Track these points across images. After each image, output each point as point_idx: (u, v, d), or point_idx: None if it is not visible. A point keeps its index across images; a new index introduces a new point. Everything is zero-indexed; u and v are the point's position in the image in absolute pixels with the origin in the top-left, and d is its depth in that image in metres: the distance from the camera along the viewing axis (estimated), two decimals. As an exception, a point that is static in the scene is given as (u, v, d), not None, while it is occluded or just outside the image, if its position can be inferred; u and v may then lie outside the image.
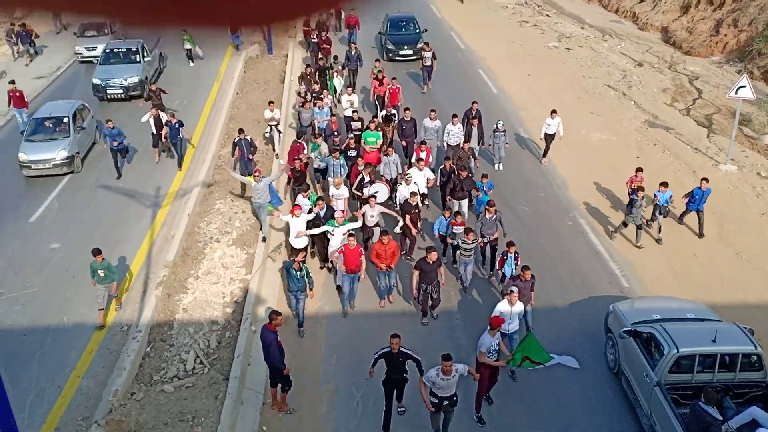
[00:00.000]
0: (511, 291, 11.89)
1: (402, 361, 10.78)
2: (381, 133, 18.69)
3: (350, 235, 13.78)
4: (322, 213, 14.99)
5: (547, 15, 35.95)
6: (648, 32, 31.89)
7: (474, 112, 19.35)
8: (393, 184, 17.06)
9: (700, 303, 13.05)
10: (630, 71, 26.97)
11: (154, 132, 20.09)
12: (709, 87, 25.03)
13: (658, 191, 15.87)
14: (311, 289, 13.59)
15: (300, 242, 14.72)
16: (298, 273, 13.09)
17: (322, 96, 21.41)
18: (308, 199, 15.66)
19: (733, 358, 10.55)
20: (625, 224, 16.21)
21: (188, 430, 11.07)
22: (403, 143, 19.02)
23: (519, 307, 11.99)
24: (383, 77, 22.49)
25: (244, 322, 13.32)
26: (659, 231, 16.23)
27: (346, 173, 17.06)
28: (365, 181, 16.50)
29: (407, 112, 19.37)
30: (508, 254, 13.74)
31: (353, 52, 24.96)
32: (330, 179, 17.07)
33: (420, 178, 16.39)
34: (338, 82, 23.16)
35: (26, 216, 17.94)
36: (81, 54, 29.77)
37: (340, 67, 24.21)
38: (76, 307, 14.36)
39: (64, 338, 13.46)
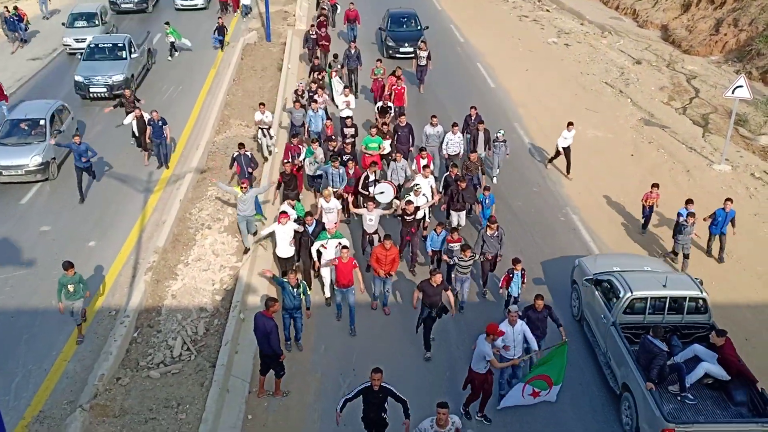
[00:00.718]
0: (509, 310, 11.14)
1: (382, 397, 9.55)
2: (381, 137, 17.87)
3: (344, 246, 12.95)
4: (311, 229, 13.90)
5: (547, 10, 35.83)
6: (647, 30, 31.79)
7: (474, 118, 18.44)
8: (399, 190, 16.48)
9: (659, 259, 14.77)
10: (628, 69, 26.90)
11: (137, 134, 19.18)
12: (706, 86, 24.99)
13: (684, 209, 14.88)
14: (308, 308, 12.89)
15: (286, 251, 13.94)
16: (295, 290, 12.04)
17: (316, 97, 20.12)
18: (294, 208, 14.81)
19: (681, 301, 11.93)
20: (675, 252, 15.24)
21: (173, 416, 11.06)
22: (399, 156, 17.18)
23: (520, 327, 11.03)
24: (399, 75, 21.22)
25: (233, 309, 13.26)
26: (684, 262, 14.93)
27: (344, 183, 16.07)
28: (370, 180, 15.94)
29: (402, 117, 18.35)
30: (514, 272, 12.83)
31: (353, 51, 23.72)
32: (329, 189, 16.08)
33: (427, 187, 15.61)
34: (337, 82, 21.79)
35: (17, 198, 17.85)
36: (69, 45, 28.48)
37: (339, 67, 23.03)
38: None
39: (53, 322, 13.40)
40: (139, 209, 17.41)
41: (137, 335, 12.90)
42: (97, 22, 29.27)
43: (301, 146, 17.21)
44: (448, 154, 17.73)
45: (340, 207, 15.14)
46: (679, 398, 10.81)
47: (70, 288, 12.53)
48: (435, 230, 14.09)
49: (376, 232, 14.81)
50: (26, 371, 12.19)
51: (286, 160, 16.61)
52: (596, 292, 12.59)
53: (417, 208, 14.54)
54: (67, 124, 20.38)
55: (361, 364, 12.28)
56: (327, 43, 25.90)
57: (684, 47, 28.59)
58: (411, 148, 18.21)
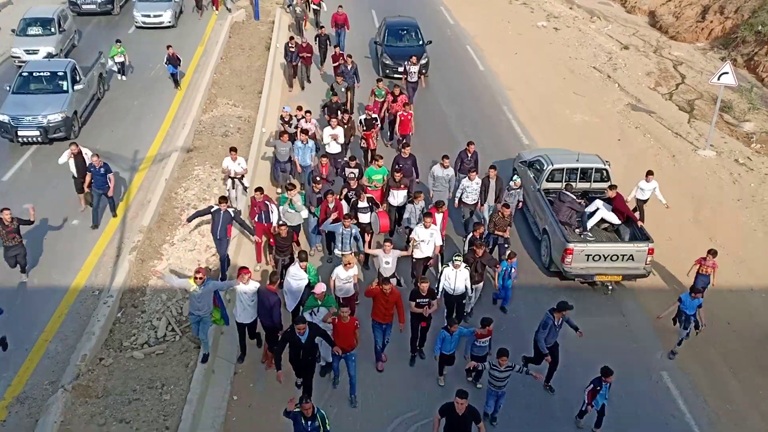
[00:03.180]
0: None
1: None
2: (387, 169, 15.60)
3: (342, 305, 11.28)
4: (303, 338, 10.39)
5: (536, -7, 35.59)
6: (635, 15, 31.73)
7: (471, 155, 15.88)
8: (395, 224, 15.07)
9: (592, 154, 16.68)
10: (616, 54, 26.89)
11: (75, 175, 15.77)
12: (692, 72, 25.06)
13: (687, 294, 12.24)
14: None
15: (247, 315, 11.44)
16: (310, 423, 9.07)
17: (304, 124, 17.25)
18: (306, 271, 12.03)
19: (589, 171, 15.88)
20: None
21: (157, 397, 11.00)
22: (398, 175, 14.96)
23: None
24: (399, 93, 18.91)
25: (220, 290, 13.18)
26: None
27: (358, 244, 13.38)
28: (360, 206, 14.07)
29: (406, 149, 15.82)
30: (604, 382, 10.49)
31: (349, 67, 20.72)
32: (337, 251, 13.38)
33: (427, 238, 13.22)
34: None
35: (-2, 175, 17.56)
36: (19, 57, 23.55)
37: (343, 89, 19.88)
38: (47, 269, 14.16)
39: (34, 300, 13.27)
40: (123, 188, 17.19)
41: (121, 315, 12.79)
42: (53, 30, 24.35)
43: (268, 202, 14.03)
44: (463, 203, 15.02)
45: (357, 274, 12.34)
46: (581, 236, 14.49)
47: None
48: (447, 329, 11.16)
49: (394, 276, 12.75)
50: (7, 350, 12.04)
51: (279, 223, 13.74)
52: (528, 171, 16.27)
53: (432, 292, 11.68)
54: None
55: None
56: (309, 55, 22.81)
57: (671, 33, 28.60)
58: (418, 181, 15.99)
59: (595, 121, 21.49)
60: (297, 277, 11.97)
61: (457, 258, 12.14)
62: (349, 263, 11.99)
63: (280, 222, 13.70)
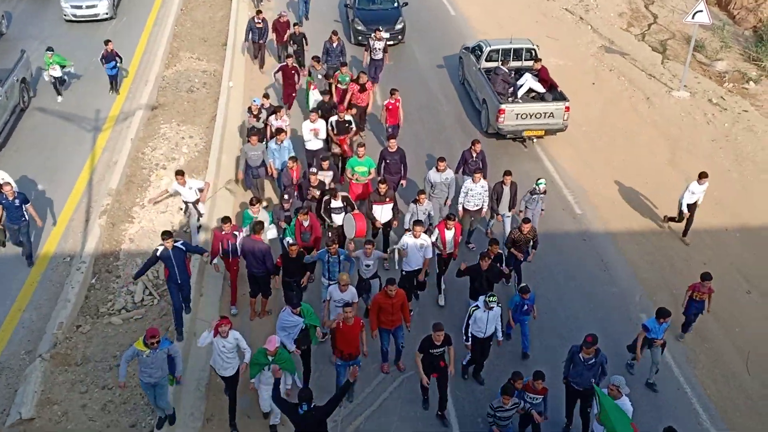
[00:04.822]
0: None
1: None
2: (372, 160, 13.86)
3: (347, 305, 9.98)
4: (303, 411, 8.49)
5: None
6: (605, -47, 31.14)
7: (476, 155, 13.98)
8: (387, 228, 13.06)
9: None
10: (587, -6, 26.43)
11: None
12: (664, 12, 24.80)
13: (653, 320, 10.69)
14: None
15: (227, 369, 9.69)
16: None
17: (274, 121, 14.95)
18: (301, 315, 10.03)
19: (521, 51, 18.44)
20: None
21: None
22: (383, 187, 12.72)
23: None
24: (366, 81, 16.35)
25: (200, 230, 12.91)
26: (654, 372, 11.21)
27: (351, 266, 11.38)
28: (332, 206, 12.48)
29: (392, 141, 13.97)
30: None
31: (335, 45, 18.23)
32: (324, 281, 11.37)
33: (414, 252, 11.60)
34: (315, 98, 16.38)
35: (-44, 141, 16.76)
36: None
37: (320, 76, 16.98)
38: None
39: (4, 269, 12.86)
40: (88, 149, 16.59)
41: (95, 281, 12.49)
42: None
43: (237, 232, 11.69)
44: (465, 209, 13.32)
45: (355, 299, 10.66)
46: (510, 100, 16.83)
47: None
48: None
49: (375, 276, 11.57)
50: (-21, 322, 11.74)
51: (289, 243, 11.59)
52: (471, 56, 18.75)
53: (447, 338, 9.83)
54: None
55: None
56: (283, 33, 19.68)
57: (642, -29, 28.16)
58: (403, 181, 14.15)
59: (569, 64, 21.21)
60: (289, 323, 9.99)
61: (491, 298, 10.27)
62: (346, 284, 10.47)
63: (290, 242, 11.63)
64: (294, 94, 17.62)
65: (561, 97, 16.80)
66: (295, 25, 19.59)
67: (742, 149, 17.21)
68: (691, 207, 13.85)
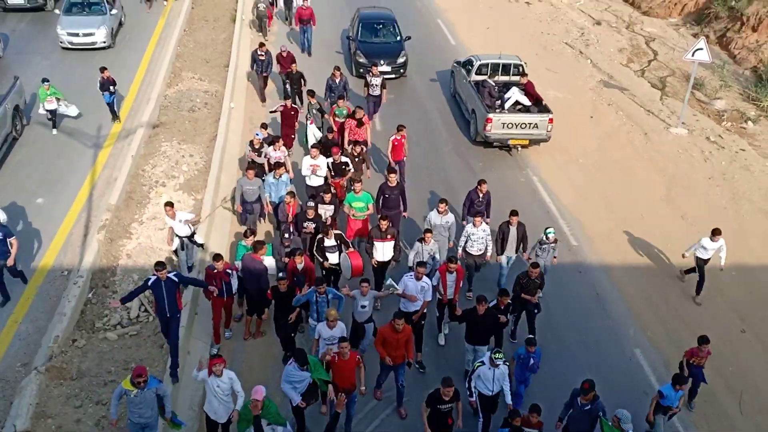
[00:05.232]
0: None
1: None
2: (370, 194, 13.44)
3: (342, 339, 9.74)
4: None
5: (508, -33, 35.30)
6: (607, -10, 31.70)
7: (483, 196, 13.67)
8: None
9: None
10: (588, 29, 26.88)
11: None
12: (665, 49, 25.18)
13: (669, 386, 10.25)
14: None
15: (219, 413, 9.28)
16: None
17: (272, 152, 14.72)
18: (309, 370, 9.47)
19: (509, 66, 19.78)
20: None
21: (132, 379, 10.78)
22: (384, 223, 12.25)
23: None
24: (362, 116, 15.93)
25: (192, 269, 12.95)
26: None
27: (341, 306, 10.98)
28: (326, 245, 12.04)
29: (392, 176, 13.50)
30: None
31: (338, 81, 17.71)
32: (312, 321, 10.95)
33: (414, 294, 11.15)
34: (314, 132, 16.40)
35: (-43, 151, 16.81)
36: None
37: (315, 110, 16.68)
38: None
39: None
40: (88, 165, 16.68)
41: (92, 296, 12.47)
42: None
43: (230, 270, 11.34)
44: (467, 253, 12.83)
45: (344, 333, 10.28)
46: (497, 111, 17.94)
47: None
48: None
49: (370, 320, 11.12)
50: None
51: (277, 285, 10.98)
52: (462, 69, 20.02)
53: (456, 393, 9.35)
54: None
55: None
56: (286, 65, 19.26)
57: (643, 9, 28.64)
58: (404, 214, 13.94)
59: (568, 97, 21.50)
60: (296, 378, 9.37)
61: (497, 354, 9.77)
62: (335, 320, 10.14)
63: (281, 275, 11.16)
64: (293, 136, 17.02)
65: (545, 110, 17.97)
66: (292, 63, 18.95)
67: (739, 188, 17.39)
68: (702, 262, 13.31)
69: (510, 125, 17.61)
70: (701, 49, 18.83)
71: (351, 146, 15.10)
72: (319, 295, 10.65)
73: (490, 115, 17.54)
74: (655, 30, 26.91)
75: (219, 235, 14.44)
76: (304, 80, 18.87)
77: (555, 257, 13.03)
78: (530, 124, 17.71)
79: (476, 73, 19.33)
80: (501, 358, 9.78)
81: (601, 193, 16.91)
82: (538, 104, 18.33)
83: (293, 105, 17.02)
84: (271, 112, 17.56)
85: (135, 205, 15.10)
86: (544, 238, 12.74)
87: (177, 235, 12.72)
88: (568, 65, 23.78)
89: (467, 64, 19.88)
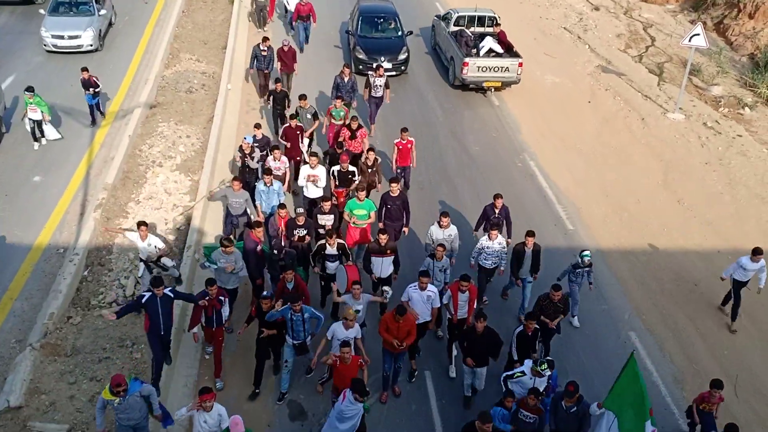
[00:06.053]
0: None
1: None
2: (372, 202, 12.73)
3: (345, 344, 9.41)
4: None
5: (507, -48, 35.12)
6: (606, -24, 31.57)
7: (499, 210, 12.81)
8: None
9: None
10: (586, 15, 26.78)
11: None
12: (662, 35, 25.14)
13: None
14: None
15: None
16: None
17: (269, 160, 13.52)
18: (359, 401, 8.93)
19: (484, 18, 21.48)
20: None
21: (128, 355, 10.85)
22: (383, 238, 11.42)
23: None
24: (357, 126, 14.83)
25: (188, 250, 12.93)
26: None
27: (318, 323, 10.33)
28: (327, 253, 11.48)
29: (394, 185, 12.70)
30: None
31: (346, 79, 16.66)
32: (289, 339, 10.24)
33: (420, 305, 10.60)
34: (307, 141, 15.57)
35: (-48, 129, 16.70)
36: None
37: (309, 115, 15.52)
38: (10, 227, 13.68)
39: (-4, 259, 12.83)
40: (86, 144, 16.62)
41: (87, 274, 12.47)
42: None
43: (223, 297, 10.34)
44: (481, 267, 12.18)
45: (359, 335, 10.00)
46: (473, 56, 19.64)
47: None
48: None
49: (363, 324, 10.57)
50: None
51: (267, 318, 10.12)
52: (441, 22, 21.93)
53: (495, 429, 8.85)
54: None
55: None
56: (288, 62, 18.32)
57: (641, -5, 28.58)
58: (405, 228, 13.08)
59: (566, 82, 21.46)
60: (352, 412, 8.88)
61: (542, 366, 9.33)
62: (353, 319, 9.70)
63: (265, 293, 10.36)
64: (299, 158, 14.93)
65: (516, 55, 19.97)
66: (276, 81, 16.74)
67: (735, 173, 17.42)
68: (739, 285, 12.35)
69: (484, 69, 19.57)
70: (698, 34, 18.80)
71: (365, 155, 13.96)
72: (294, 313, 9.89)
73: (467, 59, 19.42)
74: (652, 16, 26.84)
75: (214, 214, 14.43)
76: (289, 101, 16.79)
77: (591, 283, 12.09)
78: (502, 67, 19.68)
79: (454, 24, 21.14)
80: (546, 368, 9.30)
81: (598, 178, 16.91)
82: (509, 51, 20.21)
83: (298, 125, 14.93)
84: (280, 137, 15.18)
85: (132, 184, 15.06)
86: (580, 262, 11.83)
87: (140, 259, 11.77)
88: (566, 50, 23.71)
89: (446, 17, 21.77)
